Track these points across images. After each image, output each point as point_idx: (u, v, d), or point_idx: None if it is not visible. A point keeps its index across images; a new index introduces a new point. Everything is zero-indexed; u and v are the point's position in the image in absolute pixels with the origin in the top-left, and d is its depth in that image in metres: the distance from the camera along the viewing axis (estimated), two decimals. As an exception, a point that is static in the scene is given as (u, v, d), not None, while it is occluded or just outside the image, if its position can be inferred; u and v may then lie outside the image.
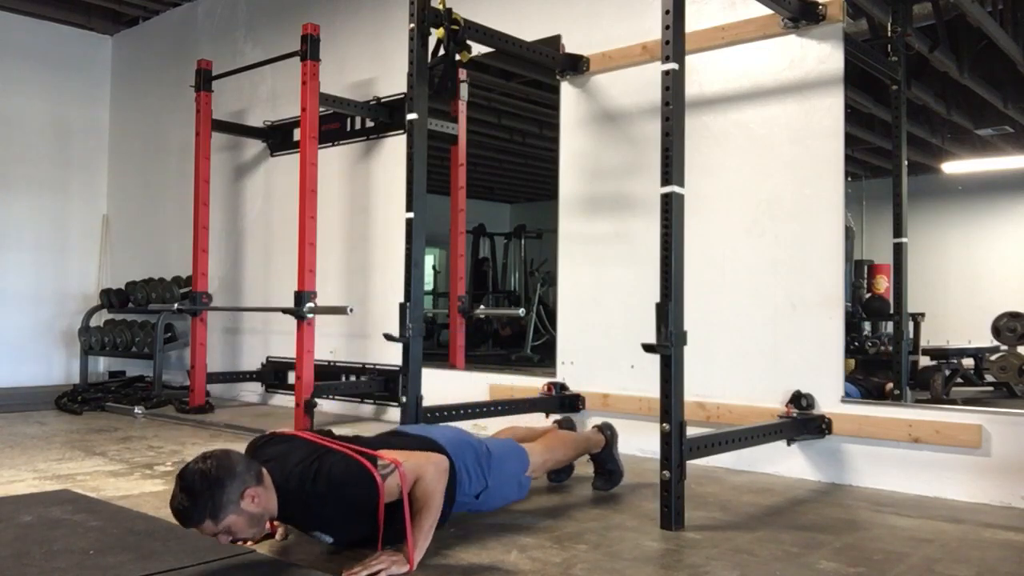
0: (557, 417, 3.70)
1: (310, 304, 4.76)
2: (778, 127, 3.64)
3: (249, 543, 2.41)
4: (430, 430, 2.76)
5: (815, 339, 3.49)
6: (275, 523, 2.49)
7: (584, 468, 3.36)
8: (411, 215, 3.31)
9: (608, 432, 3.23)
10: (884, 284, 4.59)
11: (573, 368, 4.27)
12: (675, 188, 2.67)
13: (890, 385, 3.99)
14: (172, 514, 2.10)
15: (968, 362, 4.51)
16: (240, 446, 4.28)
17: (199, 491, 2.05)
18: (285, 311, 4.89)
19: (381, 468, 2.22)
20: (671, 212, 2.67)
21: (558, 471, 3.30)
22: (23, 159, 7.33)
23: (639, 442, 3.81)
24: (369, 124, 5.46)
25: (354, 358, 5.41)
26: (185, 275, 6.41)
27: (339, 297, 5.46)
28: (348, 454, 2.25)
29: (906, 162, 3.99)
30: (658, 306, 2.64)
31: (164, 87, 7.13)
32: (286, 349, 5.52)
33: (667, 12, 2.70)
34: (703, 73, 3.84)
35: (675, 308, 2.63)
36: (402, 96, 4.95)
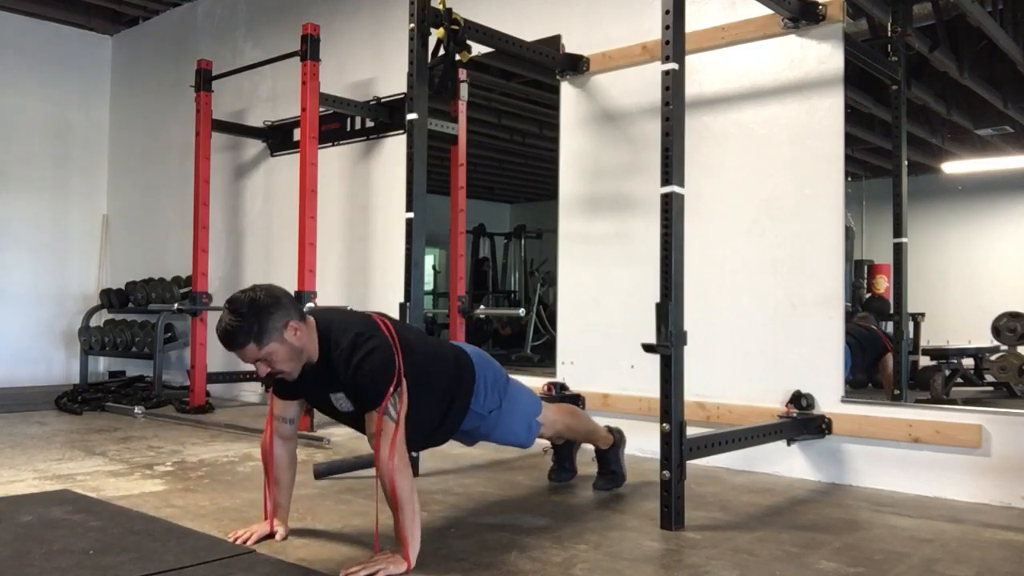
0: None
1: (310, 304, 4.75)
2: (778, 127, 3.64)
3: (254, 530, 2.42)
4: (458, 343, 2.92)
5: (815, 339, 3.49)
6: (274, 524, 2.49)
7: (585, 468, 3.36)
8: (411, 215, 3.31)
9: (617, 434, 3.26)
10: (884, 284, 4.59)
11: (573, 368, 4.27)
12: (675, 188, 2.67)
13: (890, 356, 3.97)
14: (218, 336, 2.23)
15: (968, 362, 4.51)
16: (241, 446, 4.31)
17: (247, 314, 2.20)
18: (285, 311, 4.88)
19: (391, 404, 2.25)
20: (671, 212, 2.67)
21: (560, 471, 3.31)
22: (23, 159, 7.33)
23: (639, 442, 3.81)
24: (369, 124, 5.46)
25: (354, 358, 5.40)
26: (185, 275, 6.41)
27: (339, 297, 5.46)
28: (394, 350, 2.30)
29: (906, 162, 3.98)
30: (658, 306, 2.64)
31: (164, 87, 7.13)
32: (286, 349, 5.51)
33: (667, 12, 2.70)
34: (703, 73, 3.84)
35: (675, 308, 2.63)
36: (402, 96, 4.94)
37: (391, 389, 2.25)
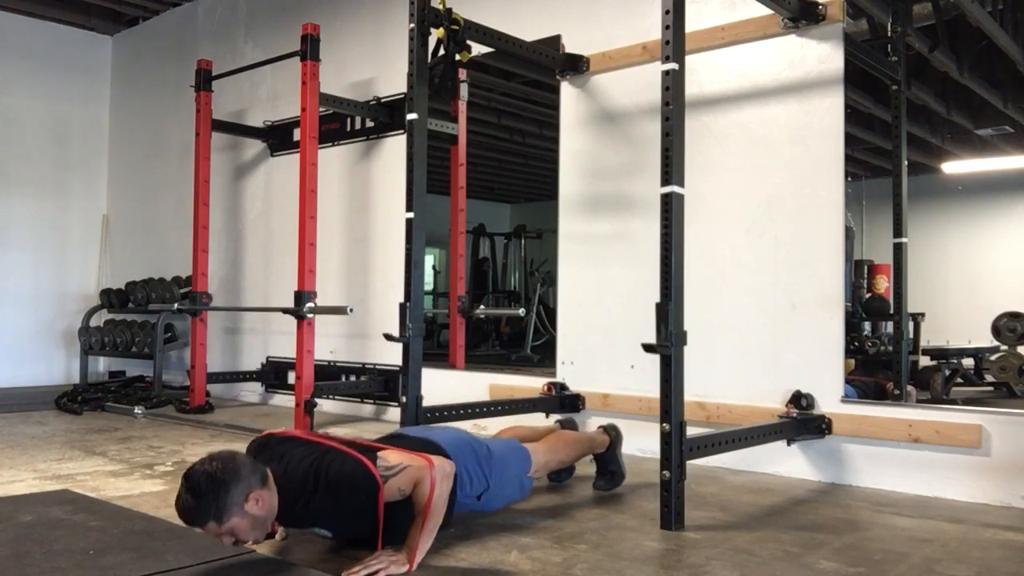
0: (559, 417, 3.70)
1: (310, 304, 4.76)
2: (778, 127, 3.64)
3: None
4: (430, 432, 2.75)
5: (815, 339, 3.49)
6: (275, 523, 2.49)
7: (585, 468, 3.36)
8: (411, 215, 3.31)
9: (613, 433, 3.23)
10: (884, 284, 4.59)
11: (573, 368, 4.27)
12: (675, 188, 2.67)
13: (891, 384, 3.99)
14: (177, 514, 2.12)
15: (968, 362, 4.51)
16: (240, 446, 4.28)
17: (204, 492, 2.06)
18: (285, 311, 4.89)
19: (383, 469, 2.22)
20: (671, 212, 2.67)
21: (559, 471, 3.30)
22: (23, 159, 7.34)
23: (639, 442, 3.81)
24: (369, 124, 5.46)
25: (354, 358, 5.41)
26: (185, 275, 6.41)
27: (339, 297, 5.46)
28: (348, 453, 2.25)
29: (906, 162, 3.99)
30: (658, 306, 2.64)
31: (164, 87, 7.13)
32: (286, 349, 5.52)
33: (667, 12, 2.70)
34: (703, 73, 3.84)
35: (675, 308, 2.63)
36: (402, 96, 4.95)
37: (371, 468, 2.19)
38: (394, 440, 2.62)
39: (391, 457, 2.27)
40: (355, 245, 5.50)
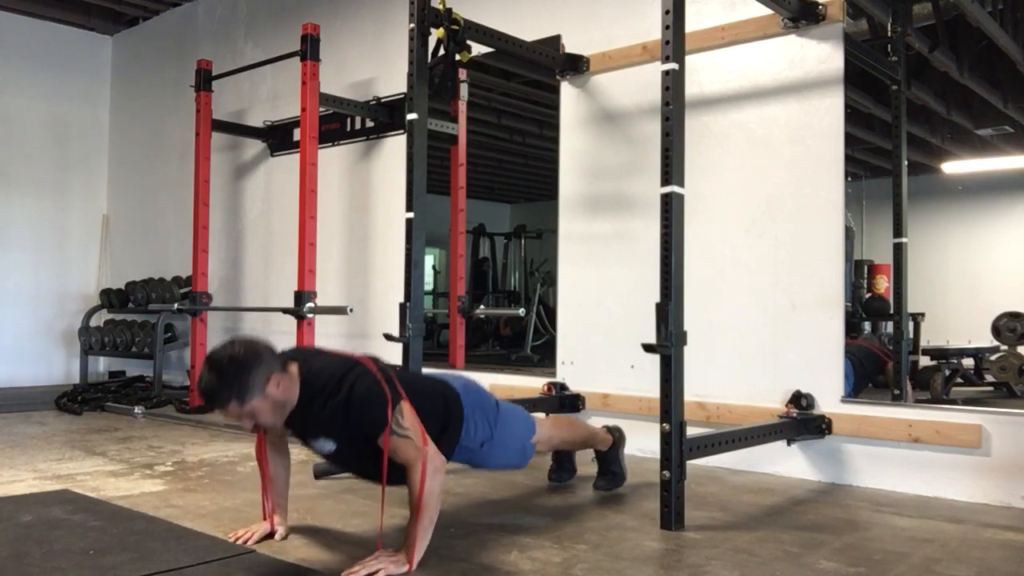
0: (558, 417, 3.70)
1: (310, 304, 4.76)
2: (778, 127, 3.64)
3: (256, 525, 2.41)
4: (446, 376, 2.83)
5: (815, 339, 3.49)
6: (275, 523, 2.50)
7: (585, 468, 3.36)
8: (411, 215, 3.31)
9: (616, 434, 3.24)
10: (884, 284, 4.59)
11: (573, 368, 4.27)
12: (675, 188, 2.67)
13: (891, 364, 3.97)
14: (199, 395, 2.18)
15: (968, 362, 4.51)
16: (240, 445, 4.31)
17: (227, 373, 2.14)
18: (285, 311, 4.89)
19: (395, 423, 2.22)
20: (671, 212, 2.67)
21: (560, 471, 3.31)
22: (23, 159, 7.33)
23: (639, 442, 3.81)
24: (369, 124, 5.46)
25: (354, 358, 5.40)
26: (185, 275, 6.41)
27: (339, 297, 5.46)
28: (380, 381, 2.27)
29: (906, 162, 3.99)
30: (658, 306, 2.64)
31: (164, 87, 7.13)
32: (286, 349, 5.51)
33: (667, 12, 2.71)
34: (703, 73, 3.84)
35: (675, 308, 2.63)
36: (402, 96, 4.94)
37: (389, 408, 2.21)
38: (412, 383, 2.57)
39: (407, 416, 2.27)
40: (355, 245, 5.50)
